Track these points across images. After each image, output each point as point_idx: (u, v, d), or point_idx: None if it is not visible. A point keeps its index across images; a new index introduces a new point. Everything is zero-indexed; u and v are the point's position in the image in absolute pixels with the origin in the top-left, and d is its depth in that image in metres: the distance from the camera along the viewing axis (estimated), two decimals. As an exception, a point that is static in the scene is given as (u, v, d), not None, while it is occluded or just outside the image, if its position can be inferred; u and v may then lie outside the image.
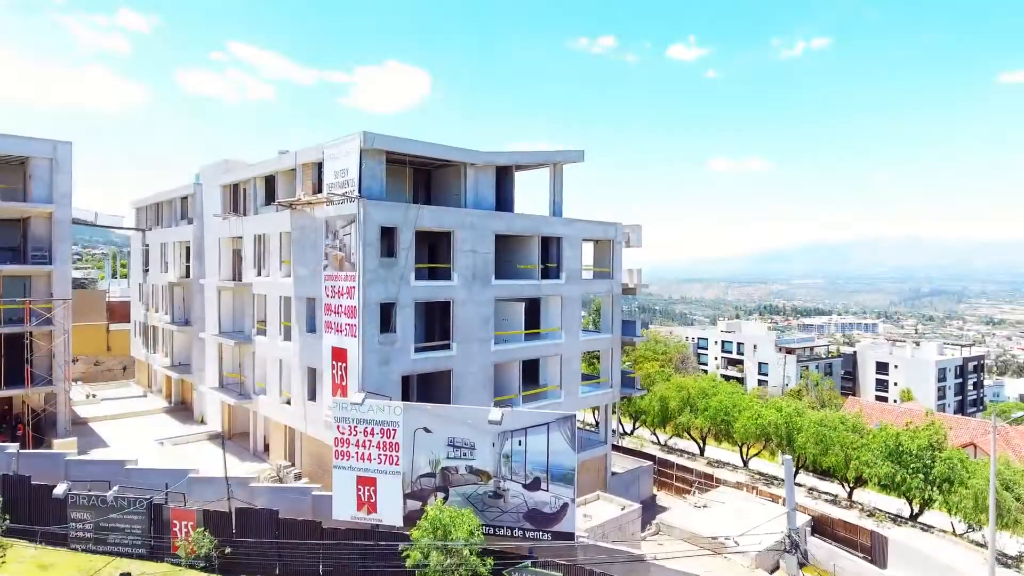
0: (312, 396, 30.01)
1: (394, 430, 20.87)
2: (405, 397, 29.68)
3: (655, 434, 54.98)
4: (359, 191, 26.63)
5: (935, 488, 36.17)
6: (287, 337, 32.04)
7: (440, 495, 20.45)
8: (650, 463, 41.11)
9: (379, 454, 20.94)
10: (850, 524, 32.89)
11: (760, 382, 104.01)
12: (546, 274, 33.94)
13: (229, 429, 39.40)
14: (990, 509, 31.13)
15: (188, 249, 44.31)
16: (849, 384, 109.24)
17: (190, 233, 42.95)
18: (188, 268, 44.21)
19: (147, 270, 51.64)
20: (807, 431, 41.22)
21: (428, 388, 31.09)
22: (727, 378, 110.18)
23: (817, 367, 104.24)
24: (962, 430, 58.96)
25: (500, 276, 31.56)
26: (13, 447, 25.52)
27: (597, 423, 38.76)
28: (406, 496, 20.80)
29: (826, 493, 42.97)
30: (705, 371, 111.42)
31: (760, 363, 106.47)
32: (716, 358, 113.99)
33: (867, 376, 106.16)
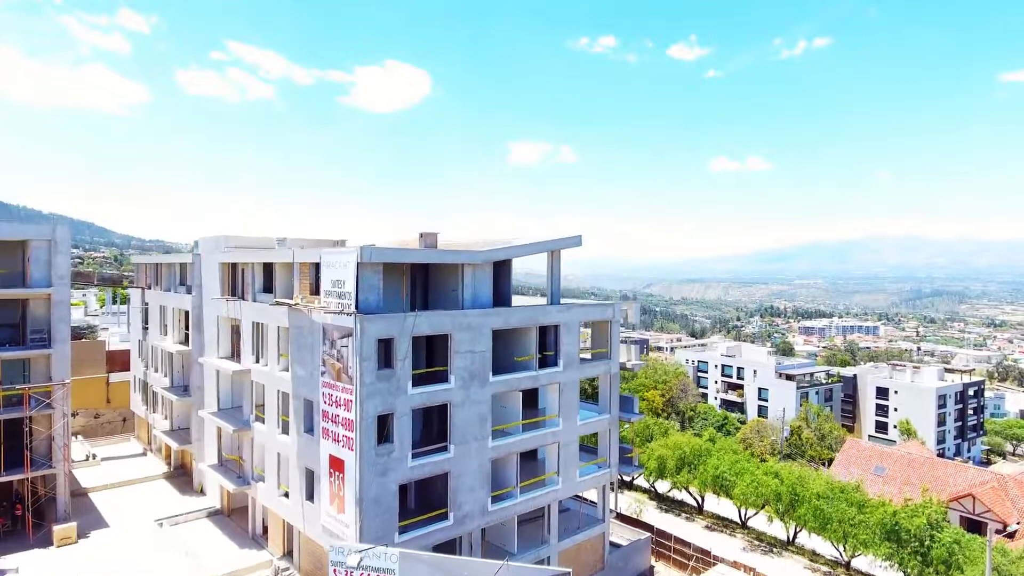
0: (310, 497, 30.09)
1: (390, 577, 20.92)
2: (403, 501, 29.76)
3: (653, 487, 55.09)
4: (356, 306, 26.63)
5: (933, 570, 36.30)
6: (285, 431, 32.12)
7: (436, 643, 20.49)
8: (648, 535, 41.27)
9: (375, 600, 21.00)
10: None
11: (760, 408, 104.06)
12: (544, 362, 33.93)
13: (228, 505, 39.50)
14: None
15: (187, 315, 44.37)
16: (849, 408, 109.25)
17: (189, 303, 43.00)
18: (187, 335, 44.27)
19: (147, 328, 51.71)
20: (807, 505, 41.28)
21: (425, 489, 31.19)
22: (727, 403, 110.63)
23: (817, 393, 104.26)
24: (960, 479, 58.93)
25: (498, 369, 31.52)
26: (14, 568, 25.62)
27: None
28: (403, 642, 20.84)
29: (825, 561, 43.15)
30: (704, 396, 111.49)
31: (760, 388, 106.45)
32: (716, 382, 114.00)
33: (867, 401, 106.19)
